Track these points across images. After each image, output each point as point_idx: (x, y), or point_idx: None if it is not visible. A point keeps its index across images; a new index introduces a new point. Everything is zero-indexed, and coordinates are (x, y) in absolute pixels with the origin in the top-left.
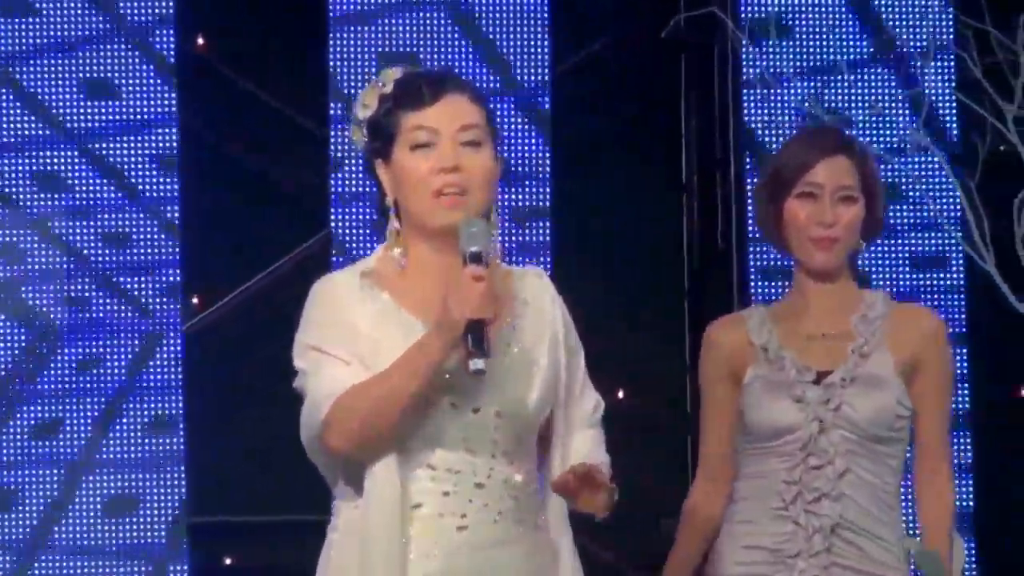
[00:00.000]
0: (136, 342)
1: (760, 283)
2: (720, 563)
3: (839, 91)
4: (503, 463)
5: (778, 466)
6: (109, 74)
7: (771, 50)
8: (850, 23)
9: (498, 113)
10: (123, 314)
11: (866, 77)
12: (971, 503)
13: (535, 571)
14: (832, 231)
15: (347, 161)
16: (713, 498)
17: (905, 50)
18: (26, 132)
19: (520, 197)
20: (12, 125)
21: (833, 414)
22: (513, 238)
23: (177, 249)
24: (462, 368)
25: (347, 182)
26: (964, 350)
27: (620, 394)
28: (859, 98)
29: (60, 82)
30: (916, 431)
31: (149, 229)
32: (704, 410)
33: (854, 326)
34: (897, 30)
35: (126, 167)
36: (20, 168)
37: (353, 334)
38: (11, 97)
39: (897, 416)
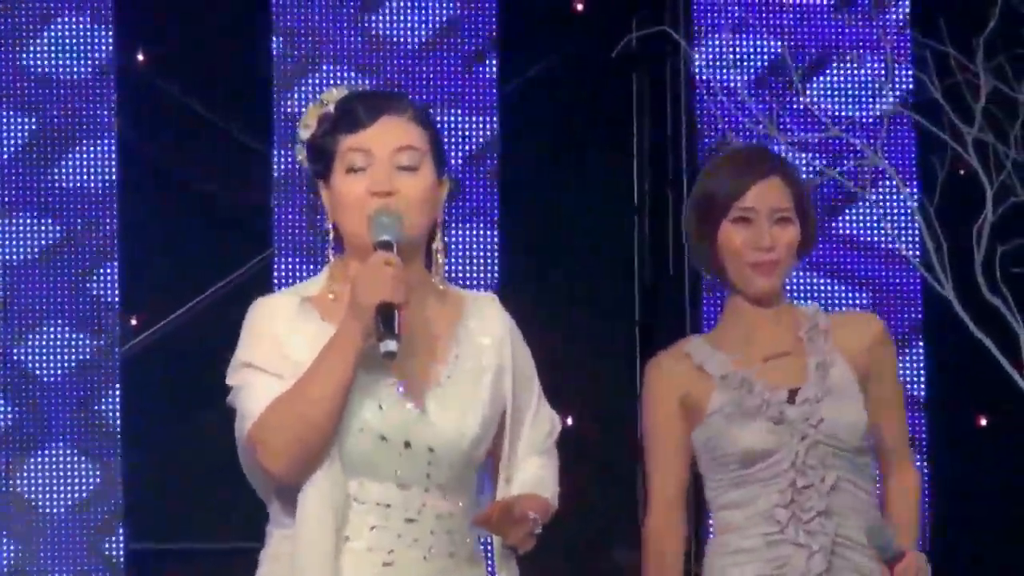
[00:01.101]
0: (73, 363)
1: (713, 306)
2: None
3: (795, 112)
4: (436, 497)
5: (762, 491)
6: (48, 88)
7: (725, 70)
8: (808, 42)
9: (445, 132)
10: (60, 334)
11: (823, 97)
12: (927, 535)
13: None
14: (771, 254)
15: (290, 181)
16: (674, 542)
17: (863, 71)
18: None
19: (469, 217)
20: None
21: (815, 430)
22: (460, 258)
23: (115, 269)
24: (371, 367)
25: (290, 202)
26: (923, 378)
27: (569, 420)
28: (815, 119)
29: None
30: (880, 436)
31: (86, 248)
32: (657, 449)
33: (807, 342)
34: (855, 51)
35: (64, 182)
36: None
37: (286, 353)
38: None
39: (867, 425)
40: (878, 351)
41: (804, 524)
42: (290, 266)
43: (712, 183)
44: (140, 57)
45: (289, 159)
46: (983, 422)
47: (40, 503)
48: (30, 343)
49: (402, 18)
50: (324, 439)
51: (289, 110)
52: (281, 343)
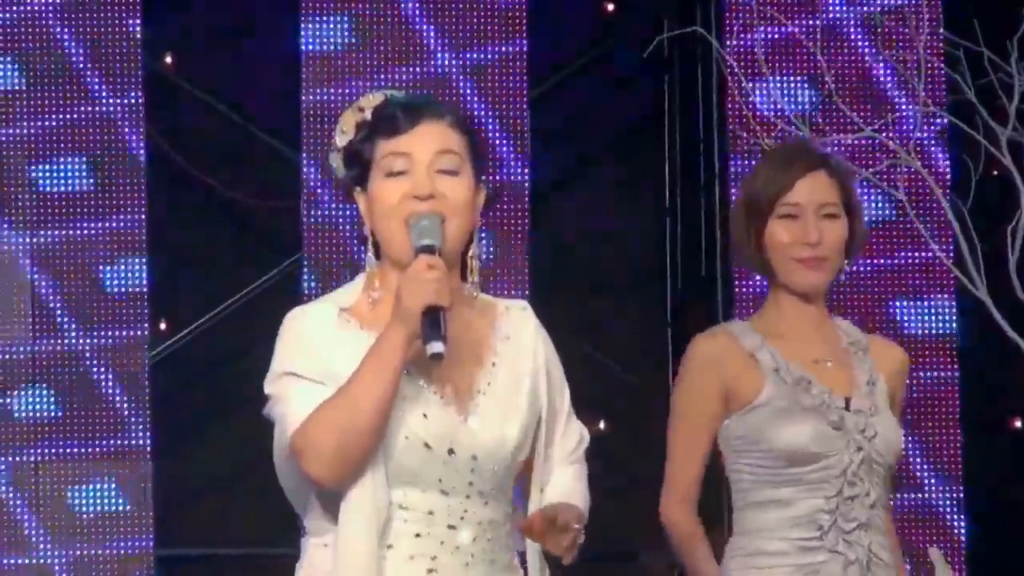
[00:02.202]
0: (103, 366)
1: (746, 310)
2: None
3: (828, 113)
4: (478, 504)
5: (806, 494)
6: (78, 96)
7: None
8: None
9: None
10: (90, 339)
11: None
12: (963, 536)
13: None
14: (819, 250)
15: (318, 185)
16: (694, 505)
17: (897, 73)
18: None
19: (500, 222)
20: None
21: (869, 443)
22: (490, 263)
23: (145, 273)
24: (414, 376)
25: (320, 207)
26: (957, 379)
27: (601, 425)
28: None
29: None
30: None
31: (116, 252)
32: (687, 430)
33: (852, 354)
34: (888, 51)
35: (94, 188)
36: None
37: (327, 362)
38: None
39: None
40: (900, 383)
41: (845, 534)
42: (319, 270)
43: (759, 179)
44: (168, 60)
45: (318, 164)
46: (1017, 424)
47: (71, 505)
48: (60, 343)
49: (434, 20)
50: (369, 445)
51: (318, 115)
52: (321, 352)
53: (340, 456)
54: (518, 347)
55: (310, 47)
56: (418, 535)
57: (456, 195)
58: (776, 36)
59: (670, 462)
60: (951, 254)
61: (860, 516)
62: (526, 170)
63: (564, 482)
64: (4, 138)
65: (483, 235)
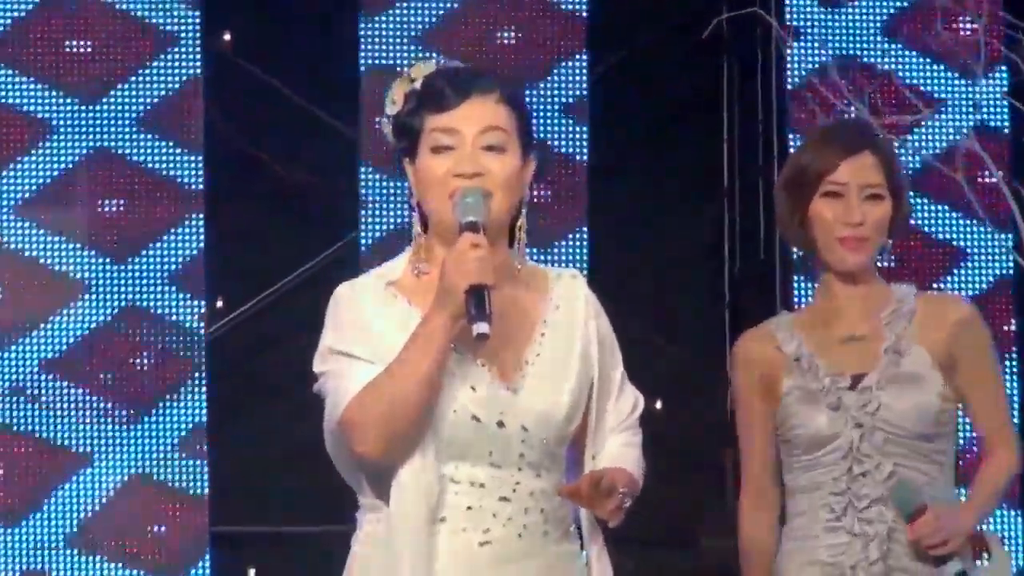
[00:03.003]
0: (161, 345)
1: (804, 292)
2: None
3: (888, 94)
4: (530, 476)
5: (825, 477)
6: (136, 72)
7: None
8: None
9: (535, 114)
10: (148, 316)
11: (916, 80)
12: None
13: None
14: (860, 230)
15: (376, 162)
16: (763, 524)
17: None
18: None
19: (558, 201)
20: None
21: (871, 417)
22: (549, 241)
23: (202, 250)
24: (463, 350)
25: (376, 185)
26: (1015, 359)
27: (658, 405)
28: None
29: (89, 82)
30: (973, 419)
31: (175, 230)
32: (742, 429)
33: (885, 325)
34: (948, 32)
35: (154, 166)
36: (43, 169)
37: (376, 338)
38: (43, 95)
39: (939, 411)
40: (962, 334)
41: (859, 512)
42: (376, 248)
43: (805, 157)
44: (227, 38)
45: (375, 141)
46: None
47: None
48: (118, 323)
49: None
50: (415, 423)
51: (376, 94)
52: (369, 328)
53: (387, 434)
54: (568, 316)
55: (368, 26)
56: (470, 508)
57: (502, 172)
58: (836, 18)
59: (742, 467)
60: (1011, 237)
61: (873, 492)
62: (585, 149)
63: (617, 448)
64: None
65: (536, 211)
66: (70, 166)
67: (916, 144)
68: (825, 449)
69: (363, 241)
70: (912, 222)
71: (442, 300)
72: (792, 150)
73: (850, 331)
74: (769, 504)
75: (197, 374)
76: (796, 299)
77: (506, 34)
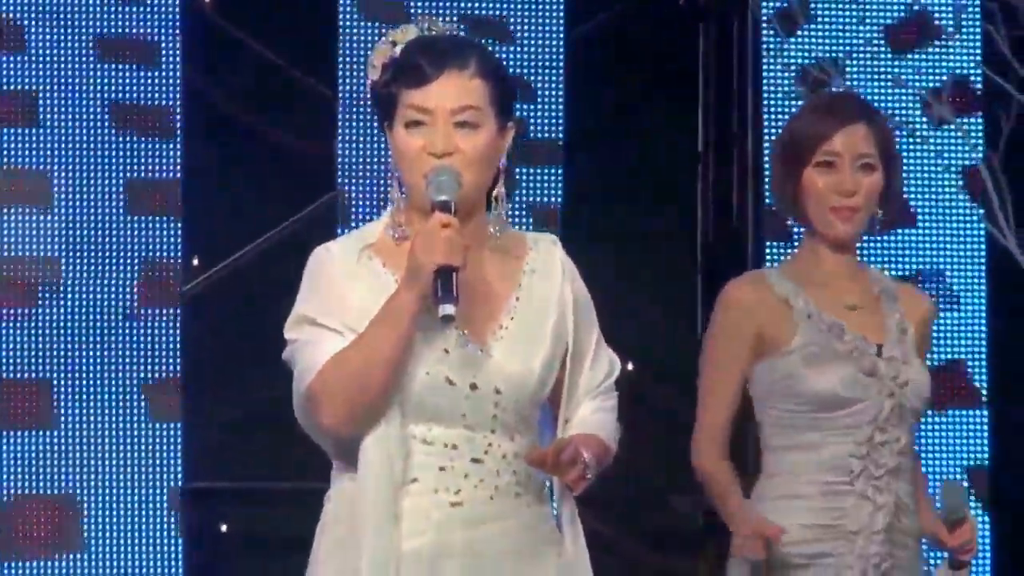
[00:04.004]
0: (134, 303)
1: (777, 257)
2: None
3: (862, 64)
4: (503, 438)
5: (836, 439)
6: (115, 30)
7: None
8: None
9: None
10: (122, 275)
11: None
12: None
13: (532, 545)
14: (853, 200)
15: (354, 123)
16: (724, 448)
17: (932, 22)
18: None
19: (532, 166)
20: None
21: (901, 390)
22: (523, 205)
23: (179, 210)
24: (435, 313)
25: (354, 144)
26: (984, 331)
27: (630, 366)
28: (881, 70)
29: (68, 38)
30: None
31: (150, 189)
32: (711, 372)
33: (883, 301)
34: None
35: (128, 125)
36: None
37: (346, 305)
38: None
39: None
40: (926, 330)
41: (874, 479)
42: (353, 209)
43: (799, 127)
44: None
45: (354, 101)
46: None
47: (100, 440)
48: (93, 282)
49: None
50: (379, 398)
51: (356, 54)
52: (341, 295)
53: (350, 409)
54: (544, 280)
55: None
56: (442, 469)
57: (474, 150)
58: None
59: (701, 406)
60: (981, 205)
61: (890, 462)
62: (561, 115)
63: (590, 413)
64: (46, 70)
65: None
66: None
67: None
68: (847, 411)
69: (340, 201)
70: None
71: (410, 278)
72: (766, 120)
73: (851, 299)
74: (726, 448)
75: (171, 331)
76: (768, 265)
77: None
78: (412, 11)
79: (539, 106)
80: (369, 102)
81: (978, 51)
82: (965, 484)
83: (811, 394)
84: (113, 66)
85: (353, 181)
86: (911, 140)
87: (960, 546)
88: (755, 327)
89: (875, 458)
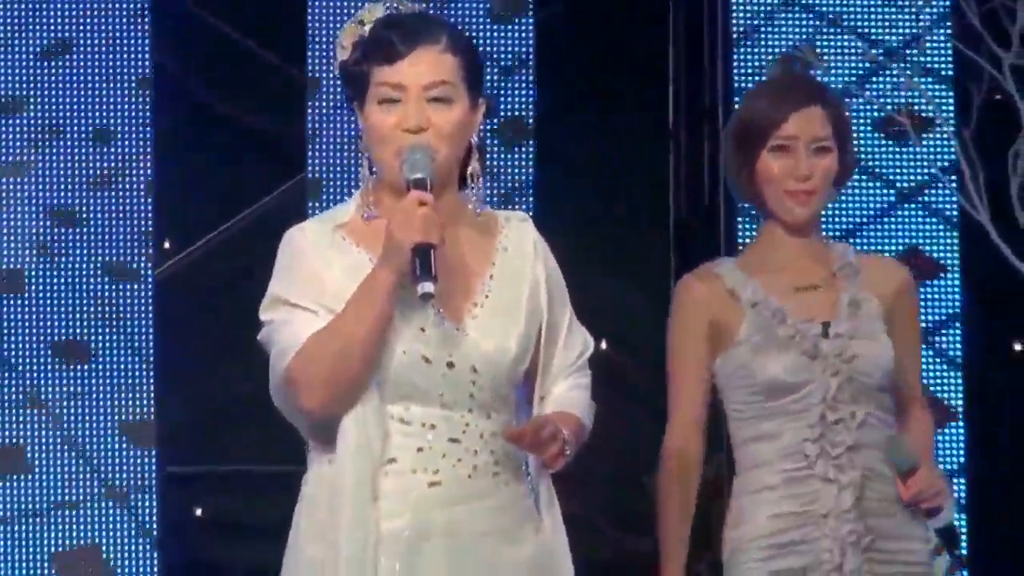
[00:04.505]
0: (106, 287)
1: (749, 235)
2: (746, 538)
3: (833, 39)
4: (480, 417)
5: (790, 425)
6: (81, 14)
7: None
8: None
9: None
10: (93, 258)
11: (860, 24)
12: (962, 457)
13: (510, 523)
14: (808, 184)
15: (324, 103)
16: (696, 449)
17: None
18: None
19: (504, 144)
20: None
21: (847, 366)
22: (496, 186)
23: (150, 192)
24: (411, 291)
25: (323, 125)
26: (958, 303)
27: (603, 345)
28: (853, 46)
29: (33, 22)
30: (899, 380)
31: (121, 171)
32: (676, 369)
33: (839, 278)
34: None
35: (98, 108)
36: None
37: (321, 286)
38: None
39: (893, 365)
40: (903, 299)
41: (833, 459)
42: (324, 190)
43: (752, 111)
44: None
45: (323, 82)
46: (1017, 347)
47: (75, 424)
48: (66, 266)
49: None
50: (359, 378)
51: (324, 34)
52: (315, 276)
53: (330, 390)
54: (517, 259)
55: None
56: (420, 449)
57: (447, 124)
58: None
59: (670, 404)
60: (954, 178)
61: (847, 439)
62: (531, 95)
63: (565, 390)
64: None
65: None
66: None
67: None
68: (795, 396)
69: (310, 183)
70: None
71: (388, 257)
72: (736, 97)
73: (806, 280)
74: (700, 448)
75: (145, 314)
76: (740, 242)
77: None
78: None
79: (509, 85)
80: (339, 82)
81: (948, 24)
82: (903, 438)
83: (760, 383)
84: (82, 49)
85: (323, 162)
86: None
87: (915, 497)
88: (707, 321)
89: (830, 438)
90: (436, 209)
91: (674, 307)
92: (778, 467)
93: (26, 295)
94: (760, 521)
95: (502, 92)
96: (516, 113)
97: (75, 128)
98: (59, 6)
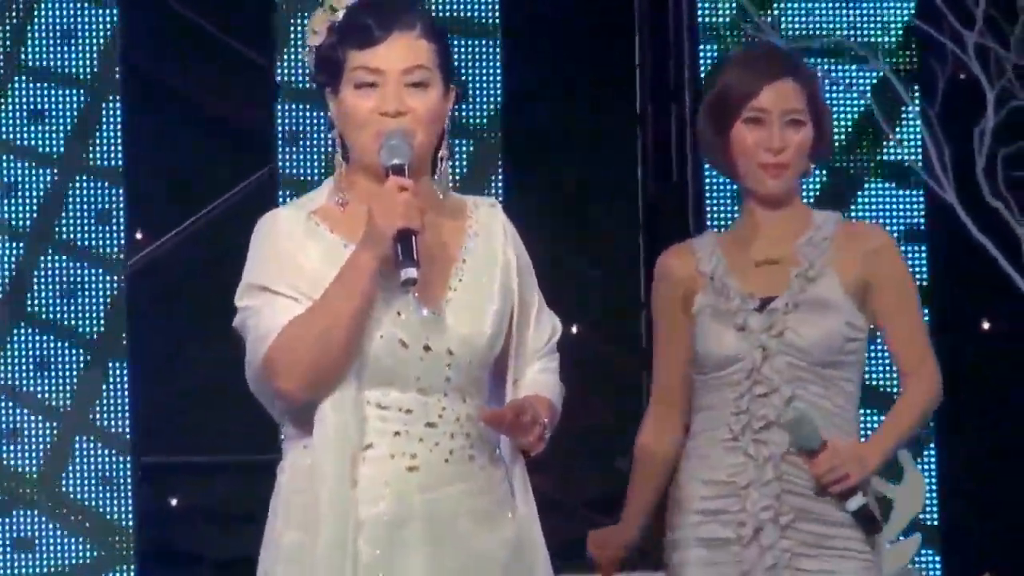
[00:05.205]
0: (78, 279)
1: (716, 216)
2: (682, 500)
3: (798, 17)
4: (456, 400)
5: (722, 396)
6: (49, 3)
7: None
8: None
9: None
10: (65, 249)
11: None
12: (932, 445)
13: (487, 507)
14: (782, 156)
15: (293, 93)
16: (663, 435)
17: None
18: None
19: (473, 129)
20: None
21: (776, 341)
22: (465, 170)
23: (120, 184)
24: (387, 276)
25: (293, 115)
26: (924, 282)
27: (574, 329)
28: (817, 25)
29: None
30: (890, 348)
31: (91, 163)
32: (656, 341)
33: (798, 250)
34: None
35: (66, 99)
36: None
37: (298, 271)
38: None
39: (847, 339)
40: (877, 264)
41: (756, 433)
42: (294, 179)
43: (725, 83)
44: None
45: (292, 72)
46: (985, 326)
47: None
48: (38, 257)
49: None
50: (341, 362)
51: (294, 26)
52: (291, 261)
53: (312, 375)
54: (487, 243)
55: None
56: (397, 433)
57: (425, 108)
58: None
59: (653, 379)
60: (919, 157)
61: (771, 414)
62: (499, 74)
63: (538, 373)
64: None
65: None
66: None
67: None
68: (729, 370)
69: (281, 171)
70: None
71: (370, 242)
72: (704, 73)
73: (765, 254)
74: (674, 416)
75: (117, 305)
76: (710, 223)
77: None
78: None
79: (477, 67)
80: (309, 69)
81: (912, 3)
82: (808, 414)
83: (701, 356)
84: (48, 40)
85: (292, 151)
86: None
87: (824, 474)
88: (680, 296)
89: (755, 411)
90: (415, 194)
91: (654, 284)
92: (713, 436)
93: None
94: (696, 486)
95: (470, 74)
96: (484, 99)
97: (44, 119)
98: None
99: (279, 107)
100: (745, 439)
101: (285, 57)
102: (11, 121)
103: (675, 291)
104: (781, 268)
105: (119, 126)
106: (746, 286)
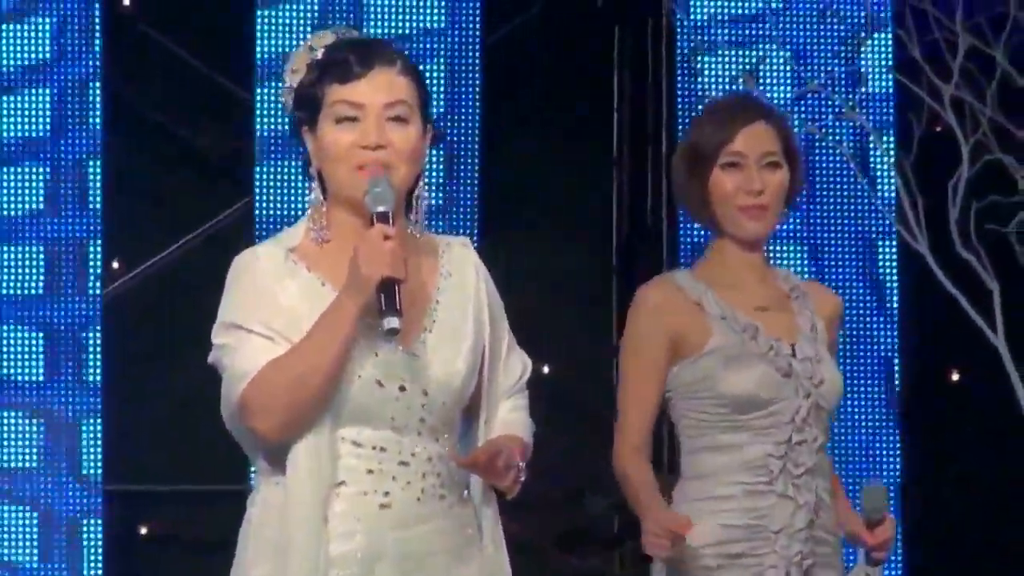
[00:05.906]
0: (54, 306)
1: (691, 258)
2: (696, 539)
3: (774, 67)
4: (429, 440)
5: (753, 440)
6: (32, 32)
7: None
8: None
9: (428, 81)
10: (42, 277)
11: (802, 53)
12: (899, 480)
13: (458, 546)
14: (762, 198)
15: (271, 126)
16: (647, 453)
17: (843, 27)
18: None
19: (449, 167)
20: None
21: (816, 390)
22: (441, 206)
23: (99, 212)
24: (378, 328)
25: (271, 147)
26: (895, 333)
27: (545, 369)
28: (795, 75)
29: None
30: None
31: (70, 191)
32: (628, 379)
33: (794, 300)
34: (836, 6)
35: (47, 127)
36: None
37: (275, 310)
38: None
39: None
40: (836, 325)
41: (794, 479)
42: (271, 212)
43: (701, 131)
44: (125, 2)
45: (271, 105)
46: (955, 377)
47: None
48: (12, 282)
49: None
50: (318, 405)
51: (272, 57)
52: (269, 300)
53: (288, 417)
54: (460, 283)
55: None
56: (370, 471)
57: (406, 143)
58: None
59: (621, 412)
60: (893, 208)
61: (808, 461)
62: (478, 116)
63: (506, 413)
64: None
65: (429, 178)
66: None
67: (801, 117)
68: (765, 411)
69: (258, 205)
70: None
71: (353, 290)
72: (680, 121)
73: (763, 300)
74: (646, 459)
75: (93, 334)
76: (682, 264)
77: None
78: (326, 10)
79: (456, 109)
80: (287, 107)
81: (890, 56)
82: (884, 485)
83: (730, 396)
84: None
85: (270, 184)
86: (822, 145)
87: (879, 544)
88: (668, 330)
89: (793, 458)
90: (401, 243)
91: (632, 315)
92: (736, 479)
93: None
94: (712, 527)
95: (449, 117)
96: (461, 139)
97: (23, 147)
98: (16, 22)
99: (257, 139)
100: (781, 484)
101: (264, 89)
102: None
103: (663, 324)
104: (781, 315)
105: (99, 154)
106: (768, 330)
